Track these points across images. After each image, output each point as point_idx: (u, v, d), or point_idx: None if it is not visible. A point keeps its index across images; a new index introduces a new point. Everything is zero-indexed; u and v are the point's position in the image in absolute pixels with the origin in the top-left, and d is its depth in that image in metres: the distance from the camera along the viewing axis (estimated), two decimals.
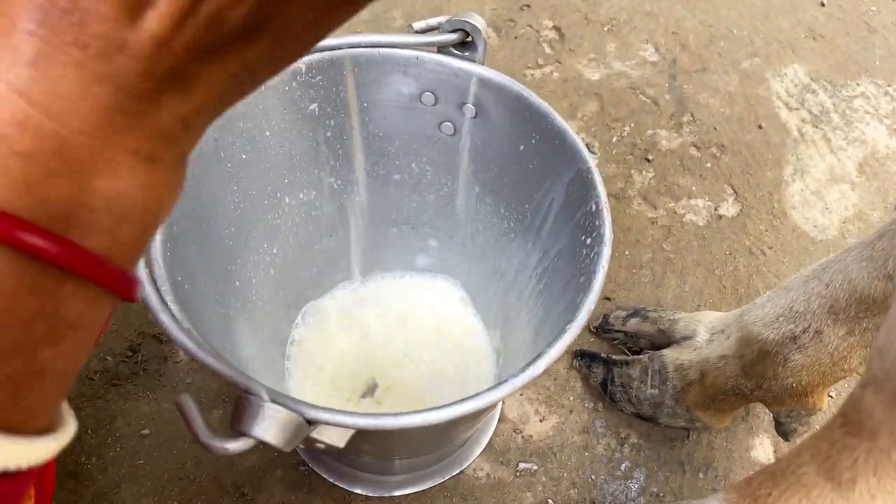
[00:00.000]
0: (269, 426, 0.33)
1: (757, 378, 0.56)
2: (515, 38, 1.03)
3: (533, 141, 0.52)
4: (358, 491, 0.63)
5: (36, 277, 0.19)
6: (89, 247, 0.19)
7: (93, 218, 0.19)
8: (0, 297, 0.18)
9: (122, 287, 0.21)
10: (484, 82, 0.52)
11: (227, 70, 0.20)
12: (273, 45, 0.20)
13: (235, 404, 0.34)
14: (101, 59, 0.18)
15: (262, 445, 0.34)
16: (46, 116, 0.18)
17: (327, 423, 0.36)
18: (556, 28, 1.05)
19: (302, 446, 0.39)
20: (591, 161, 0.47)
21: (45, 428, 0.22)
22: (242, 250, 0.55)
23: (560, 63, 1.01)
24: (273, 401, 0.34)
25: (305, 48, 0.22)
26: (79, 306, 0.20)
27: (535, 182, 0.53)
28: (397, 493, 0.63)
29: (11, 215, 0.18)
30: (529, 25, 1.05)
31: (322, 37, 0.21)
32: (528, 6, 1.08)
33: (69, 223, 0.19)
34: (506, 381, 0.38)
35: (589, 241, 0.45)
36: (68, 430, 0.23)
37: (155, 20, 0.18)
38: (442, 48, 0.52)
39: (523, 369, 0.38)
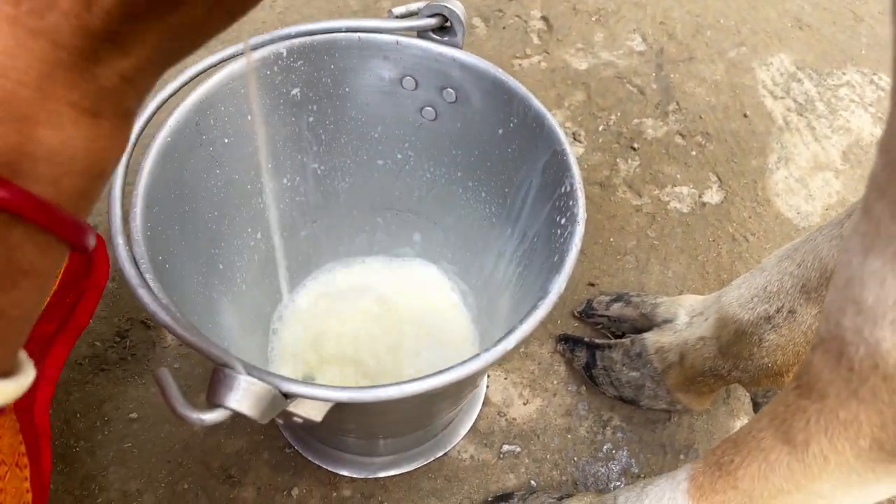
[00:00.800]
0: (244, 398, 0.34)
1: (734, 359, 0.57)
2: (503, 28, 1.04)
3: (511, 124, 0.52)
4: (343, 473, 0.63)
5: None
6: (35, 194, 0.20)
7: (37, 167, 0.20)
8: None
9: (70, 233, 0.22)
10: (463, 66, 0.52)
11: (161, 31, 0.21)
12: (202, 9, 0.21)
13: (211, 377, 0.35)
14: (34, 16, 0.19)
15: (243, 420, 0.35)
16: None
17: (303, 397, 0.37)
18: (544, 18, 1.06)
19: (280, 421, 0.39)
20: (567, 142, 0.47)
21: (3, 373, 0.23)
22: (226, 234, 0.56)
23: (548, 53, 1.01)
24: (248, 373, 0.35)
25: (238, 12, 0.23)
26: (30, 253, 0.21)
27: (515, 165, 0.54)
28: (382, 474, 0.63)
29: None
30: (517, 15, 1.06)
31: (252, 5, 0.22)
32: None
33: (14, 171, 0.20)
34: (478, 355, 0.39)
35: (563, 221, 0.46)
36: (27, 375, 0.24)
37: None
38: (421, 33, 0.52)
39: (495, 344, 0.39)
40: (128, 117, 0.23)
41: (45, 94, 0.20)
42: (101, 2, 0.19)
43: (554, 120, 0.49)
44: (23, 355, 0.25)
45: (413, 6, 0.52)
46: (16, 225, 0.20)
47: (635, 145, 0.91)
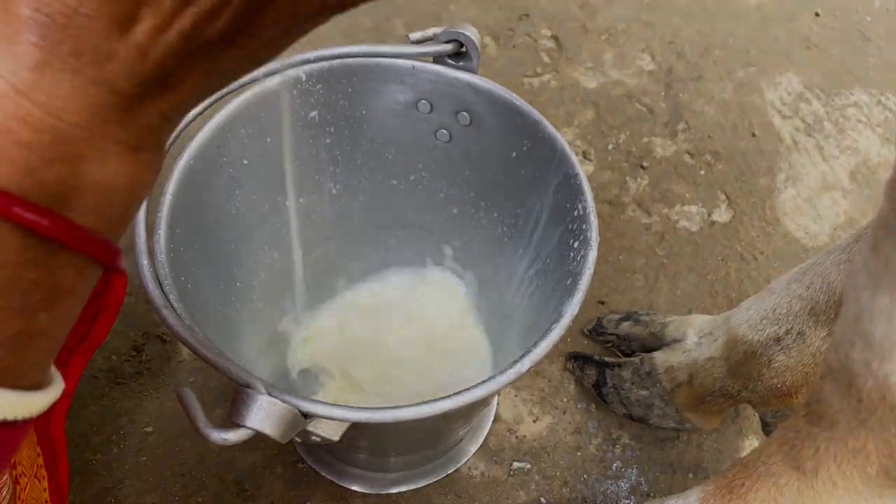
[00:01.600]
0: (266, 418, 0.35)
1: (743, 379, 0.57)
2: (514, 46, 1.05)
3: (525, 148, 0.53)
4: (355, 488, 0.64)
5: (36, 250, 0.22)
6: (80, 222, 0.22)
7: (83, 199, 0.22)
8: (6, 267, 0.21)
9: (107, 257, 0.24)
10: (477, 91, 0.54)
11: (204, 72, 0.23)
12: (245, 52, 0.23)
13: (233, 397, 0.36)
14: (94, 66, 0.21)
15: (259, 436, 0.36)
16: (46, 113, 0.20)
17: (322, 417, 0.38)
18: (554, 37, 1.07)
19: (299, 440, 0.40)
20: (579, 167, 0.48)
21: (38, 385, 0.25)
22: (244, 253, 0.57)
23: (557, 72, 1.03)
24: (269, 394, 0.36)
25: (276, 52, 0.24)
26: (71, 275, 0.23)
27: (527, 187, 0.55)
28: (394, 490, 0.64)
29: (14, 195, 0.21)
30: (528, 35, 1.07)
31: (291, 42, 0.24)
32: (527, 16, 1.10)
33: (63, 202, 0.22)
34: (493, 377, 0.40)
35: (576, 244, 0.47)
36: (56, 388, 0.26)
37: (140, 34, 0.20)
38: (437, 58, 0.54)
39: (510, 366, 0.40)
40: (162, 149, 0.25)
41: (95, 133, 0.22)
42: (154, 53, 0.21)
43: (566, 144, 0.50)
44: (52, 368, 0.27)
45: (429, 32, 0.53)
46: (60, 251, 0.22)
47: (644, 164, 0.92)
